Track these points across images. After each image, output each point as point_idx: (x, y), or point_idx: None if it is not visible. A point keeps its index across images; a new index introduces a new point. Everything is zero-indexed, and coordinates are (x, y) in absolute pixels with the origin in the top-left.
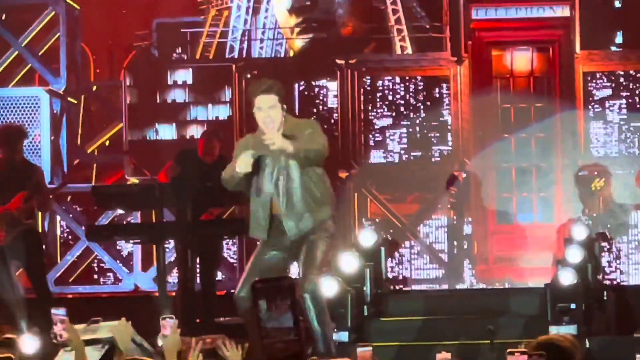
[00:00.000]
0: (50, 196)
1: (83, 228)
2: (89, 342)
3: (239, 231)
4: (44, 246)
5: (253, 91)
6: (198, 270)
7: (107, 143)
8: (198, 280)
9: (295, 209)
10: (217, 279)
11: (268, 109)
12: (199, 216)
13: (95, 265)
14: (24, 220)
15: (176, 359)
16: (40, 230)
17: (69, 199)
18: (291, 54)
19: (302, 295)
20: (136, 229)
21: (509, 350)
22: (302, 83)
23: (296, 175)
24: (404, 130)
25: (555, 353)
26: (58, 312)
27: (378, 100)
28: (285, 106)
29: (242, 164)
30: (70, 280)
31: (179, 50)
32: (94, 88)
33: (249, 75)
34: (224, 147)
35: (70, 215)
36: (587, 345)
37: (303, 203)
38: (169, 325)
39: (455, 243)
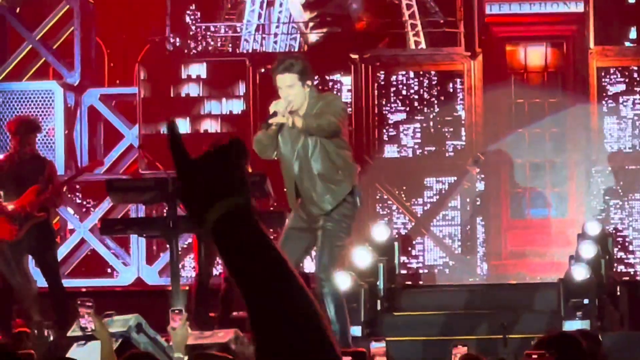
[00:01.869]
0: (64, 189)
1: (78, 218)
2: None
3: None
4: (57, 239)
5: (273, 70)
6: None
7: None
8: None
9: (315, 188)
10: None
11: (287, 88)
12: None
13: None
14: (36, 213)
15: (185, 351)
16: (52, 224)
17: (77, 191)
18: (305, 48)
19: (321, 292)
20: (150, 223)
21: (526, 352)
22: (316, 78)
23: (312, 149)
24: (418, 125)
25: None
26: (85, 305)
27: (392, 95)
28: (309, 82)
29: (277, 105)
30: (66, 273)
31: (193, 44)
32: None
33: (262, 70)
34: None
35: (67, 208)
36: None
37: (322, 181)
38: (178, 318)
39: (468, 238)
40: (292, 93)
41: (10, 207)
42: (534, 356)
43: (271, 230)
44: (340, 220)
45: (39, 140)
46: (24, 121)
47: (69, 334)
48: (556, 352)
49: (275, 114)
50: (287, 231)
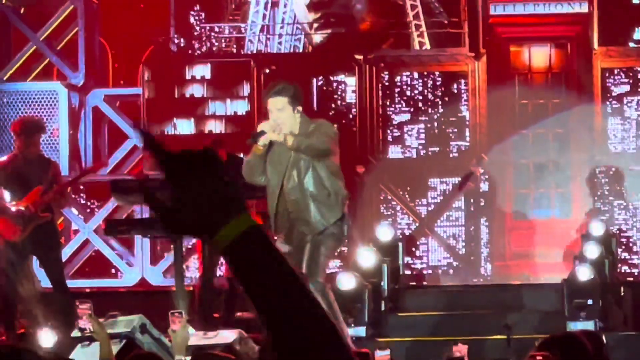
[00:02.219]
0: (68, 190)
1: (82, 219)
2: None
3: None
4: (61, 240)
5: (264, 94)
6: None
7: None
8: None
9: (309, 209)
10: None
11: (277, 111)
12: None
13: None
14: (40, 214)
15: (186, 353)
16: (57, 224)
17: (82, 192)
18: (310, 49)
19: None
20: (154, 224)
21: (530, 353)
22: (320, 78)
23: (305, 172)
24: (422, 125)
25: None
26: (84, 306)
27: (396, 95)
28: (300, 108)
29: (265, 125)
30: (70, 274)
31: (197, 45)
32: None
33: (267, 71)
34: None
35: (72, 209)
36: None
37: (314, 203)
38: (178, 320)
39: (472, 239)
40: (282, 116)
41: (14, 207)
42: (538, 357)
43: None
44: (329, 238)
45: (43, 140)
46: (29, 122)
47: (73, 334)
48: (560, 353)
49: (262, 133)
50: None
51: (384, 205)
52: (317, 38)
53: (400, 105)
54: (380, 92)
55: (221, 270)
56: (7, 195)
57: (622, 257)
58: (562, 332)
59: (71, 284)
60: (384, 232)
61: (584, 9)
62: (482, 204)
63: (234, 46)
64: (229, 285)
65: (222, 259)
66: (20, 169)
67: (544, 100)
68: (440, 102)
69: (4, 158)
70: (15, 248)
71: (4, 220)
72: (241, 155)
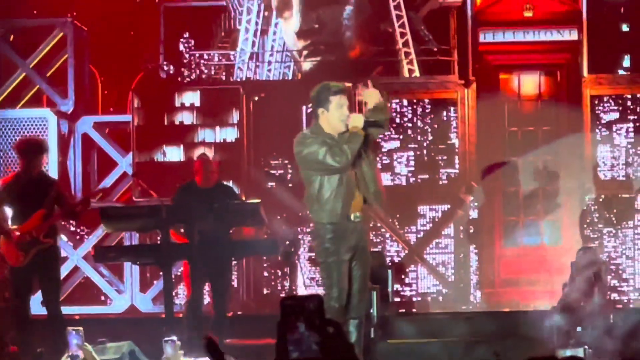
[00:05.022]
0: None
1: (72, 246)
2: None
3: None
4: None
5: (337, 90)
6: (208, 291)
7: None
8: (206, 301)
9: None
10: (227, 300)
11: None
12: (213, 237)
13: (75, 285)
14: (42, 239)
15: None
16: (59, 249)
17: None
18: (299, 76)
19: (352, 318)
20: (144, 251)
21: None
22: (309, 106)
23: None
24: (411, 153)
25: None
26: (75, 334)
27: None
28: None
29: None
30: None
31: (187, 72)
32: None
33: (256, 98)
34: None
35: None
36: None
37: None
38: (171, 348)
39: (461, 266)
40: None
41: (17, 232)
42: None
43: (264, 258)
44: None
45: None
46: (33, 142)
47: None
48: None
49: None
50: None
51: (374, 232)
52: (307, 65)
53: (389, 133)
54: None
55: (209, 297)
56: (8, 212)
57: (612, 285)
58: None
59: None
60: (373, 260)
61: (574, 36)
62: (471, 231)
63: (223, 73)
64: (215, 312)
65: (207, 286)
66: (22, 189)
67: (534, 127)
68: (429, 130)
69: (8, 177)
70: (17, 273)
71: (7, 246)
72: (230, 182)
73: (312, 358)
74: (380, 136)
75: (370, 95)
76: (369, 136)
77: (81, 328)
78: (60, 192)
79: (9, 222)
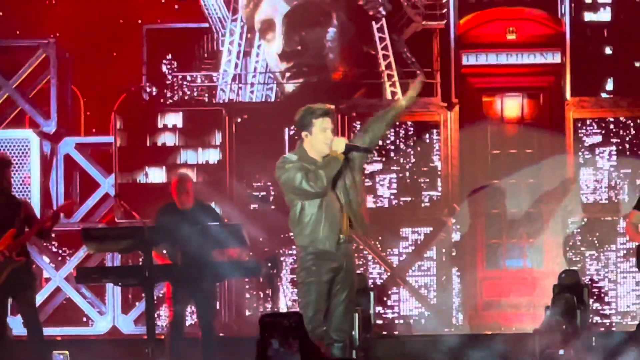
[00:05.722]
0: (49, 224)
1: (53, 267)
2: None
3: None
4: (37, 282)
5: (323, 112)
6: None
7: None
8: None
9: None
10: (213, 321)
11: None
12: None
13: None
14: (15, 258)
15: None
16: (32, 267)
17: (53, 240)
18: (281, 98)
19: (335, 341)
20: (126, 272)
21: None
22: (292, 127)
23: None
24: (394, 175)
25: None
26: (60, 355)
27: None
28: (302, 133)
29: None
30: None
31: (169, 93)
32: None
33: (239, 120)
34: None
35: (43, 256)
36: None
37: None
38: None
39: (444, 288)
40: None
41: None
42: None
43: (246, 279)
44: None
45: (14, 187)
46: None
47: None
48: None
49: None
50: None
51: (356, 254)
52: (289, 87)
53: (372, 155)
54: None
55: (192, 319)
56: None
57: (594, 307)
58: None
59: (43, 332)
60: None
61: (557, 59)
62: (453, 253)
63: (206, 95)
64: (204, 333)
65: (190, 307)
66: None
67: (516, 150)
68: (412, 152)
69: None
70: None
71: None
72: (212, 204)
73: None
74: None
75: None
76: (353, 160)
77: (67, 352)
78: (29, 212)
79: None
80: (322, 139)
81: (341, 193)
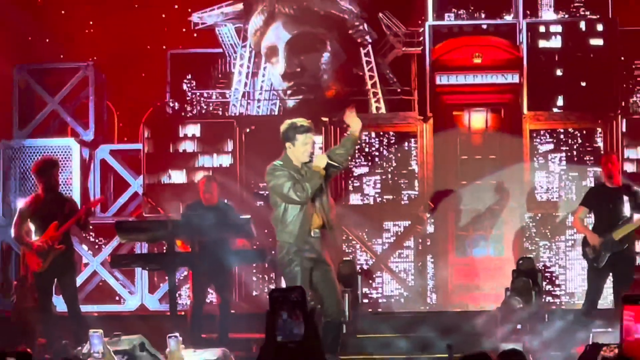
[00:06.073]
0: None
1: (91, 254)
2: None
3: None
4: (77, 268)
5: (303, 129)
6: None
7: None
8: (208, 300)
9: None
10: (229, 299)
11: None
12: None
13: (94, 287)
14: (56, 246)
15: None
16: (72, 253)
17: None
18: (283, 112)
19: (327, 321)
20: (152, 258)
21: None
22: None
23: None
24: (378, 177)
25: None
26: (95, 332)
27: (356, 151)
28: (286, 144)
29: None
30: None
31: (189, 108)
32: None
33: (248, 130)
34: (224, 189)
35: (82, 245)
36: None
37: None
38: (174, 342)
39: (420, 273)
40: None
41: (37, 243)
42: None
43: (253, 265)
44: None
45: (60, 187)
46: (41, 162)
47: (82, 352)
48: None
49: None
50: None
51: (346, 244)
52: (290, 103)
53: (360, 160)
54: None
55: (213, 297)
56: (31, 226)
57: (547, 289)
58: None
59: (82, 308)
60: (346, 267)
61: (515, 79)
62: (428, 243)
63: (220, 109)
64: (221, 310)
65: (209, 289)
66: (41, 207)
67: (481, 156)
68: (393, 158)
69: (29, 198)
70: (39, 277)
71: (29, 255)
72: (226, 201)
73: (291, 341)
74: (352, 163)
75: (352, 119)
76: (328, 174)
77: (101, 330)
78: (73, 208)
79: (32, 236)
80: (303, 151)
81: (317, 198)
